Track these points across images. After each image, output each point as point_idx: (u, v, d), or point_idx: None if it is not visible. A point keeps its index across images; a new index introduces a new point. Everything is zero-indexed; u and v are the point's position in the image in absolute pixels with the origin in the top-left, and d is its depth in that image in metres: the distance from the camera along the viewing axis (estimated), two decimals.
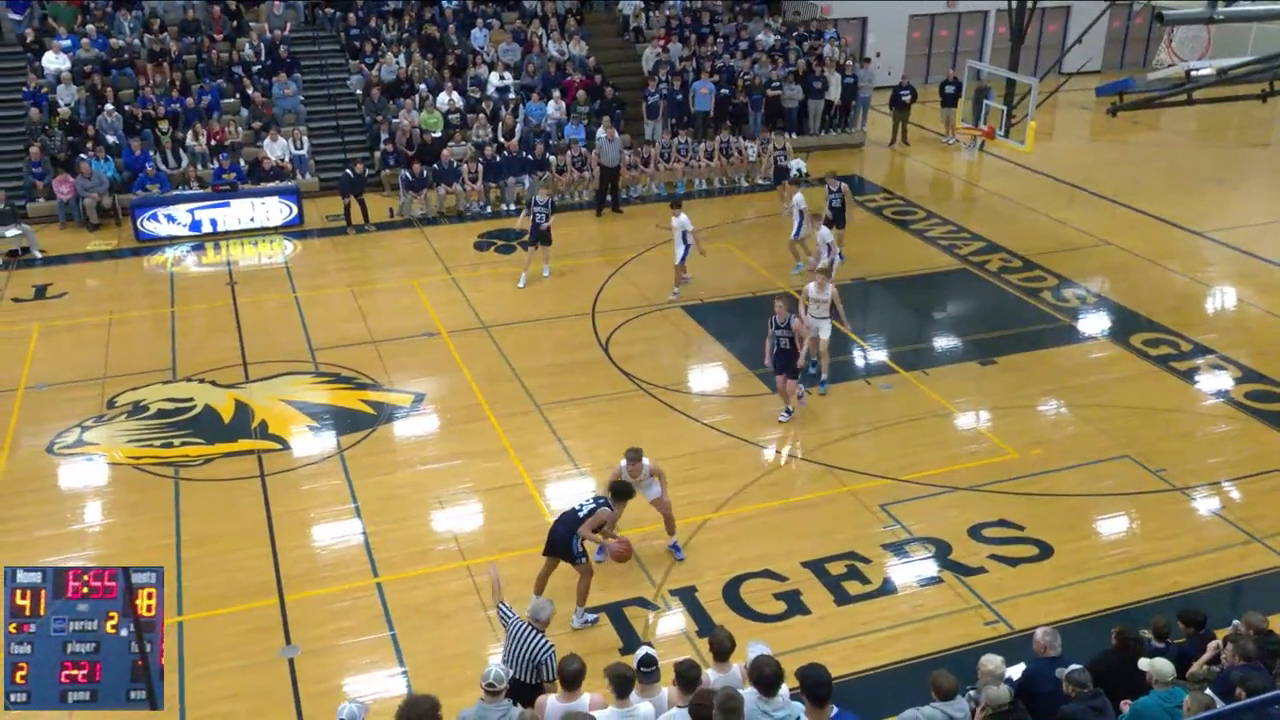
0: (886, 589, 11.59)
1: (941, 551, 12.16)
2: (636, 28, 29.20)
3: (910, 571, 11.88)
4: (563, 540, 10.82)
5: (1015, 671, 8.89)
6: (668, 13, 29.53)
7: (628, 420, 14.94)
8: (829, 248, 18.00)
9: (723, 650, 8.30)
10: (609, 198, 23.35)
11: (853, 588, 11.59)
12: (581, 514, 10.93)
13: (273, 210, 22.42)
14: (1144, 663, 8.21)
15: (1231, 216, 23.03)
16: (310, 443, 14.48)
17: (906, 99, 28.06)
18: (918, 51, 35.44)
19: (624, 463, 11.75)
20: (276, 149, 23.66)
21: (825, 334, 15.38)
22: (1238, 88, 21.20)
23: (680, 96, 26.21)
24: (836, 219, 19.42)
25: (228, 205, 22.25)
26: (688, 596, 11.44)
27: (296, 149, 24.00)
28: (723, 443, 14.37)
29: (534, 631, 8.73)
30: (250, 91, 24.64)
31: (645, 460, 11.84)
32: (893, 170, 27.07)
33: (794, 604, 11.35)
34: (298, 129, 24.27)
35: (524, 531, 12.50)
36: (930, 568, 11.94)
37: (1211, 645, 8.88)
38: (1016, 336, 17.42)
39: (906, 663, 10.52)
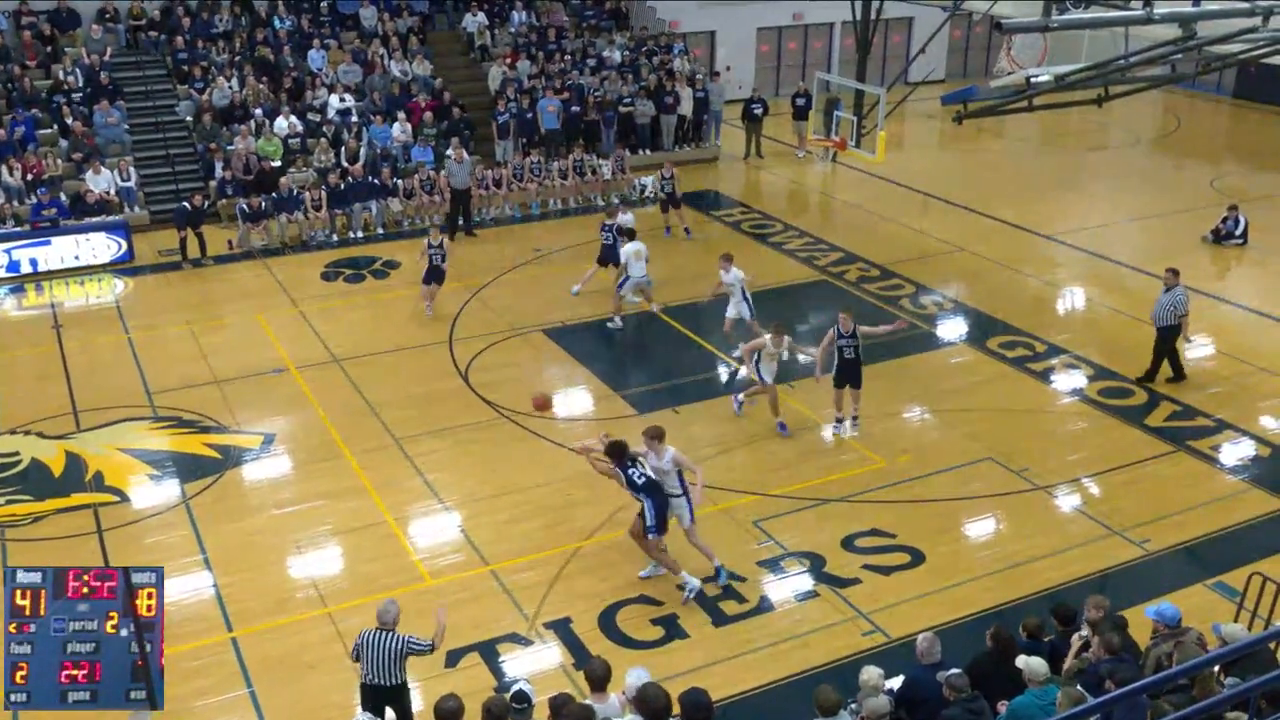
0: (764, 607, 11.75)
1: (816, 565, 12.40)
2: (482, 46, 29.12)
3: (787, 587, 12.07)
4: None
5: (898, 681, 9.11)
6: (513, 30, 29.55)
7: (492, 449, 14.82)
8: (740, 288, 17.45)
9: (597, 680, 8.30)
10: (461, 221, 23.19)
11: (730, 608, 11.71)
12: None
13: (99, 247, 21.53)
14: (1020, 661, 8.50)
15: (1076, 219, 24.21)
16: (152, 493, 13.95)
17: (758, 112, 28.67)
18: (767, 64, 36.28)
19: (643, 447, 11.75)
20: (101, 181, 22.76)
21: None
22: (1075, 93, 22.30)
23: (530, 115, 26.24)
24: (671, 202, 22.50)
25: (48, 243, 21.25)
26: (563, 628, 11.39)
27: (123, 180, 23.13)
28: (590, 468, 14.33)
29: (385, 633, 9.15)
30: (69, 121, 23.66)
31: (669, 448, 11.65)
32: (748, 184, 27.60)
33: (672, 628, 11.41)
34: (124, 159, 23.41)
35: (389, 571, 12.28)
36: (806, 582, 12.15)
37: (1076, 639, 9.27)
38: (879, 345, 17.87)
39: (789, 679, 10.69)
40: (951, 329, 18.73)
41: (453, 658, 10.93)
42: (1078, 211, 24.87)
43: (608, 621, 11.50)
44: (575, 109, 26.61)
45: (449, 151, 23.37)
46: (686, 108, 28.28)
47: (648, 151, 27.83)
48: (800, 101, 28.80)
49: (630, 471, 11.49)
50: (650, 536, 11.54)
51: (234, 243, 22.34)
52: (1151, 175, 28.24)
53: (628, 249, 18.42)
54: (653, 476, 11.49)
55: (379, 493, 13.84)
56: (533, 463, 14.50)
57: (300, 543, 12.86)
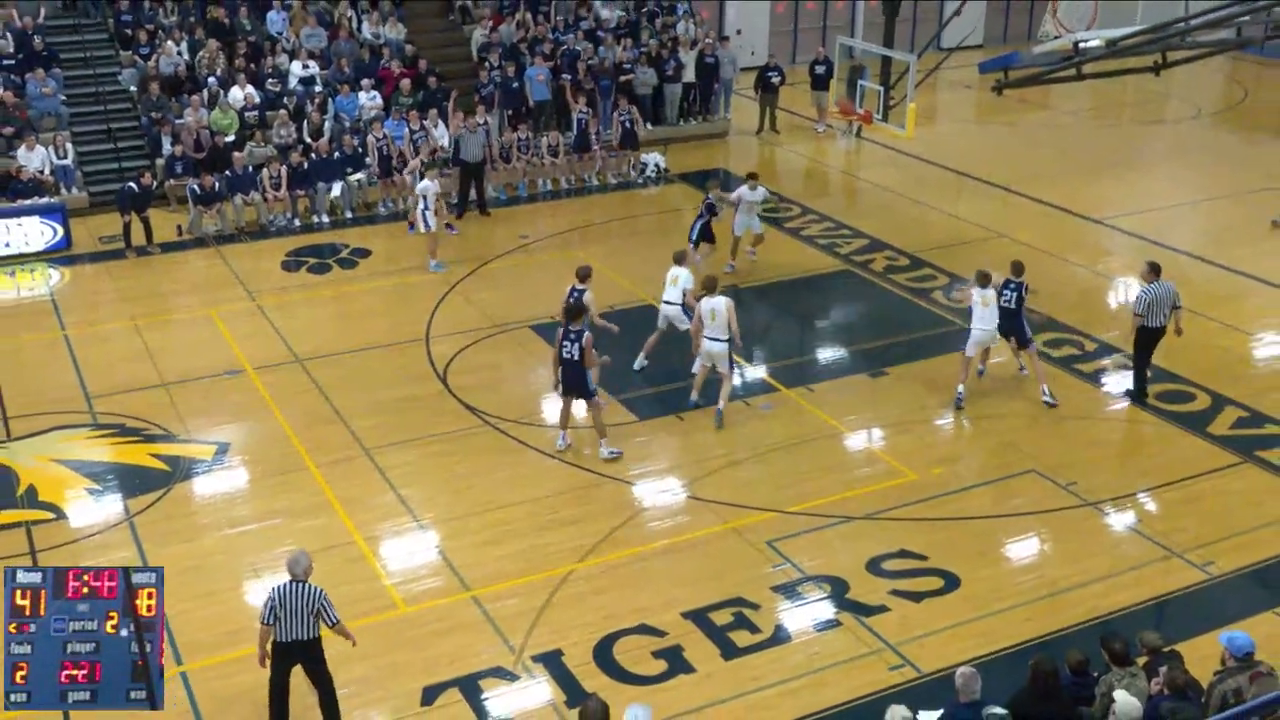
0: (779, 637, 11.76)
1: (838, 590, 12.41)
2: (463, 6, 29.14)
3: (804, 615, 12.08)
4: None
5: (933, 717, 9.13)
6: None
7: (473, 461, 14.85)
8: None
9: None
10: (474, 196, 23.33)
11: (741, 638, 11.73)
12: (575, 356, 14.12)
13: (32, 233, 21.55)
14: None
15: (1130, 201, 24.22)
16: (91, 509, 13.96)
17: (774, 81, 28.67)
18: (783, 27, 36.28)
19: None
20: (34, 159, 22.76)
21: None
22: (1128, 60, 22.36)
23: (516, 85, 26.23)
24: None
25: None
26: (553, 661, 11.41)
27: (59, 158, 23.14)
28: (585, 480, 14.40)
29: (299, 584, 9.88)
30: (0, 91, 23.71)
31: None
32: (762, 162, 27.59)
33: (675, 661, 11.41)
34: (60, 134, 23.41)
35: (358, 598, 12.27)
36: (826, 609, 12.16)
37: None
38: (908, 343, 17.94)
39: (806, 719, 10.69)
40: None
41: (430, 695, 10.95)
42: (1132, 193, 24.88)
43: (604, 654, 11.51)
44: (567, 77, 26.60)
45: (462, 122, 23.29)
46: (690, 74, 28.28)
47: (650, 125, 27.83)
48: (820, 69, 28.79)
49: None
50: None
51: (184, 228, 22.36)
52: (1215, 151, 28.24)
53: None
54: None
55: (346, 509, 13.85)
56: (519, 475, 14.51)
57: (257, 566, 12.83)
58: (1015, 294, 15.93)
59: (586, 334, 14.36)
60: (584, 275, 15.96)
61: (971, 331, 15.94)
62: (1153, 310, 15.63)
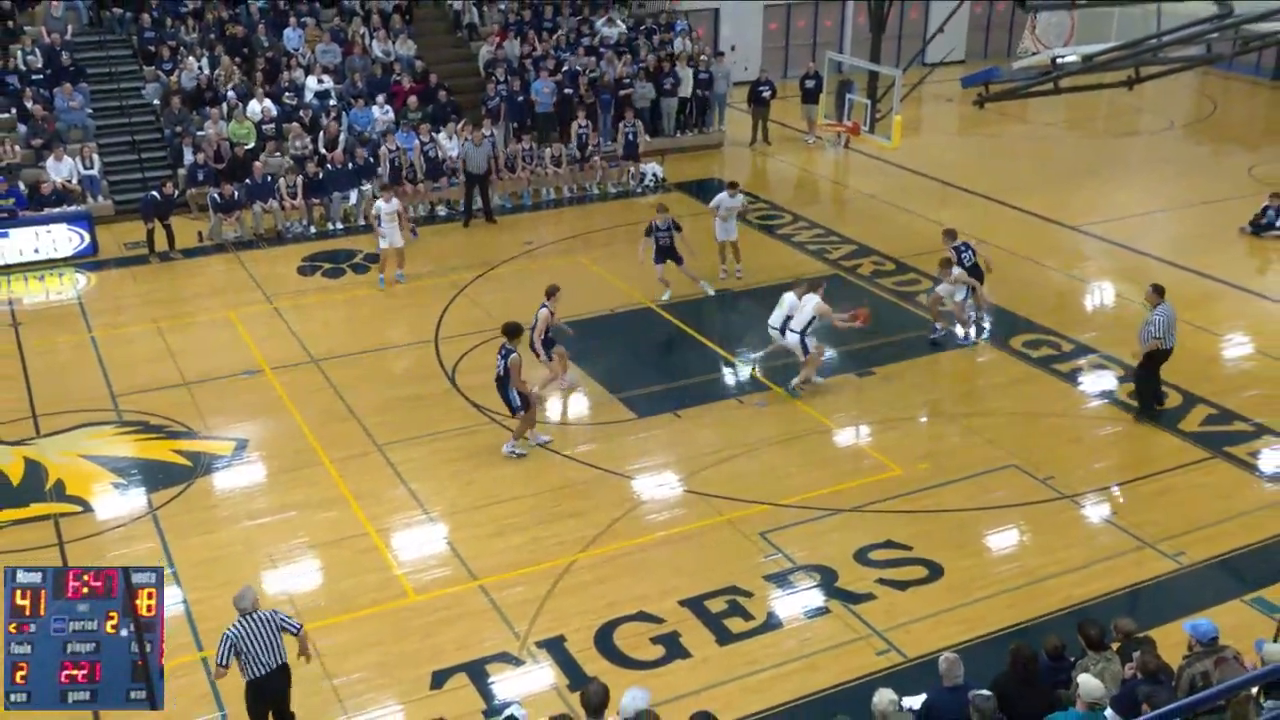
0: (771, 624, 11.77)
1: (827, 579, 12.41)
2: (470, 24, 29.13)
3: (795, 603, 12.08)
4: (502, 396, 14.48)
5: (918, 701, 9.14)
6: (502, 7, 29.55)
7: (480, 456, 14.83)
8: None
9: (592, 705, 8.36)
10: (480, 205, 23.29)
11: (735, 625, 11.74)
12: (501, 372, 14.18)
13: (60, 239, 21.53)
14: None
15: (1105, 209, 24.21)
16: (117, 502, 13.96)
17: (766, 95, 28.65)
18: (774, 44, 36.29)
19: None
20: (62, 169, 22.75)
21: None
22: (1104, 75, 22.35)
23: (521, 98, 26.24)
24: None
25: (6, 235, 21.27)
26: (556, 647, 11.41)
27: (86, 168, 23.13)
28: (586, 475, 14.41)
29: (253, 615, 9.38)
30: (29, 104, 23.66)
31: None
32: (755, 172, 27.60)
33: (673, 647, 11.42)
34: (86, 146, 23.40)
35: (370, 587, 12.29)
36: (816, 597, 12.16)
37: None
38: (894, 344, 17.94)
39: (797, 702, 10.71)
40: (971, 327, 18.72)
41: (439, 679, 10.95)
42: (1106, 201, 24.87)
43: (604, 640, 11.52)
44: (569, 91, 26.62)
45: (468, 134, 23.25)
46: (686, 88, 28.28)
47: (648, 137, 27.81)
48: (810, 84, 28.79)
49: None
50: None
51: (205, 234, 22.35)
52: (1185, 162, 28.25)
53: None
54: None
55: (359, 503, 13.85)
56: (524, 470, 14.51)
57: (275, 556, 12.85)
58: (970, 250, 17.91)
59: (514, 355, 14.25)
60: (549, 293, 15.67)
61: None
62: (1168, 331, 15.09)
